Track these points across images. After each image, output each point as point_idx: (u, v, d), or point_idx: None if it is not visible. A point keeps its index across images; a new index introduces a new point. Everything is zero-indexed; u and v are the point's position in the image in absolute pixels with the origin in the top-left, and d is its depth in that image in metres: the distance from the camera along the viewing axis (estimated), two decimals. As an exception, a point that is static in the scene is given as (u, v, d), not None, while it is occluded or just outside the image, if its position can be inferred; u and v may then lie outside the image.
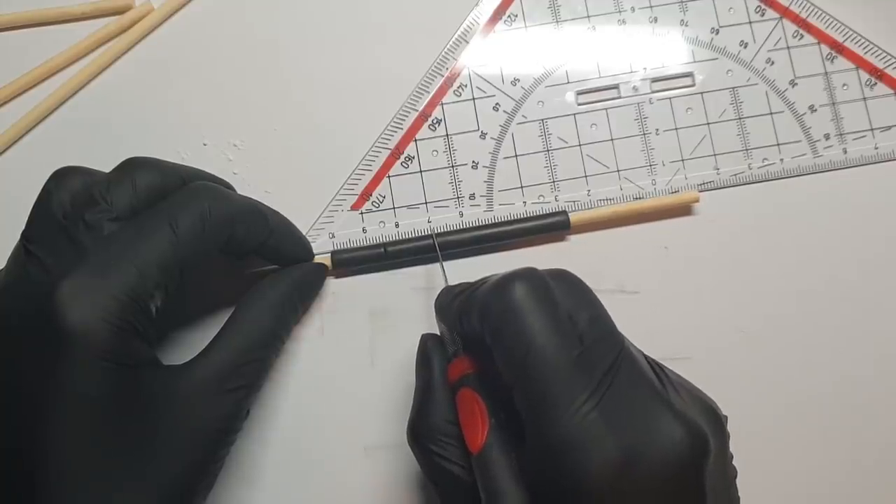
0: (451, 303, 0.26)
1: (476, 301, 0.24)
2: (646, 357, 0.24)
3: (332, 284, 0.33)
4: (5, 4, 0.35)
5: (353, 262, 0.33)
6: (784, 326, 0.33)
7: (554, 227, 0.33)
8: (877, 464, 0.32)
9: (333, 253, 0.33)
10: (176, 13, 0.35)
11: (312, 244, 0.33)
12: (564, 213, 0.33)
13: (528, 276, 0.23)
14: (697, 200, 0.34)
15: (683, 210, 0.34)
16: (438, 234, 0.33)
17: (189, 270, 0.26)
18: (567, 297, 0.24)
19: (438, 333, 0.29)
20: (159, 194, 0.26)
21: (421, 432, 0.26)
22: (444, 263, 0.32)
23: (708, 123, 0.35)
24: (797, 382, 0.33)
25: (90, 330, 0.23)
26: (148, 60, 0.35)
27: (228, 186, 0.31)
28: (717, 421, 0.23)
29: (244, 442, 0.32)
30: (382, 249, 0.32)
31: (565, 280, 0.24)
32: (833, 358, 0.33)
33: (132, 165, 0.26)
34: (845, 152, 0.35)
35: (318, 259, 0.32)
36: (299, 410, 0.32)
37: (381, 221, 0.34)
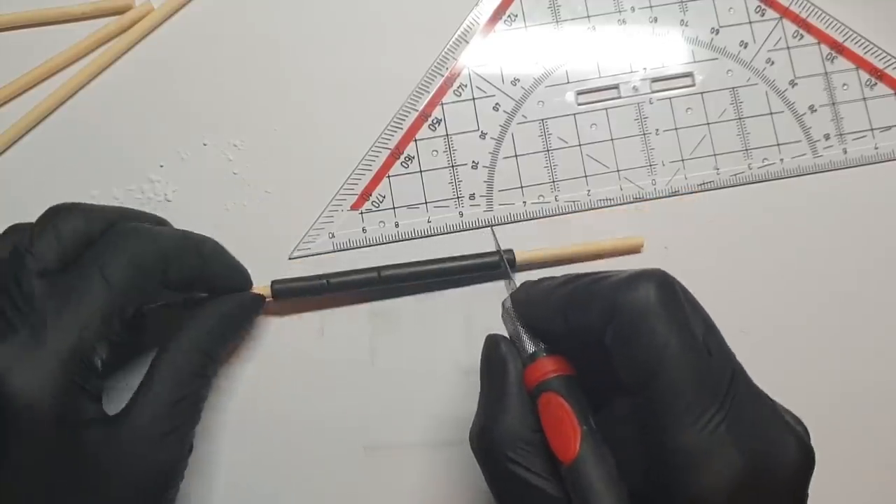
0: (550, 294, 0.24)
1: (602, 293, 0.23)
2: None
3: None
4: (5, 4, 0.35)
5: (293, 292, 0.32)
6: (784, 326, 0.33)
7: (495, 266, 0.32)
8: (878, 464, 0.32)
9: (274, 282, 0.32)
10: (176, 13, 0.35)
11: (312, 244, 0.33)
12: (510, 251, 0.32)
13: (664, 277, 0.22)
14: (642, 245, 0.33)
15: (632, 249, 0.34)
16: (385, 267, 0.32)
17: (128, 317, 0.25)
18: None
19: (509, 332, 0.27)
20: (85, 240, 0.25)
21: (495, 439, 0.24)
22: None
23: (708, 123, 0.35)
24: (798, 382, 0.33)
25: (33, 398, 0.22)
26: (148, 60, 0.35)
27: (161, 221, 0.30)
28: (808, 435, 0.23)
29: (243, 442, 0.32)
30: (325, 281, 0.32)
31: (682, 289, 0.24)
32: (833, 358, 0.33)
33: (54, 213, 0.26)
34: (845, 152, 0.35)
35: (257, 289, 0.32)
36: (299, 410, 0.32)
37: (380, 221, 0.34)
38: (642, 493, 0.22)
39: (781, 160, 0.34)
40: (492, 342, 0.26)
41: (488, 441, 0.24)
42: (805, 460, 0.21)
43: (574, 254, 0.33)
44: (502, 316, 0.27)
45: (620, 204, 0.34)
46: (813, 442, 0.32)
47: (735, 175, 0.34)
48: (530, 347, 0.25)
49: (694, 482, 0.20)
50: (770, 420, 0.21)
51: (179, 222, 0.32)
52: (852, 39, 0.35)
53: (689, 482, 0.20)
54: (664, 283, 0.22)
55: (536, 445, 0.23)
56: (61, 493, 0.23)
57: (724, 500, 0.20)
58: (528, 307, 0.26)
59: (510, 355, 0.25)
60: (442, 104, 0.35)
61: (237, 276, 0.31)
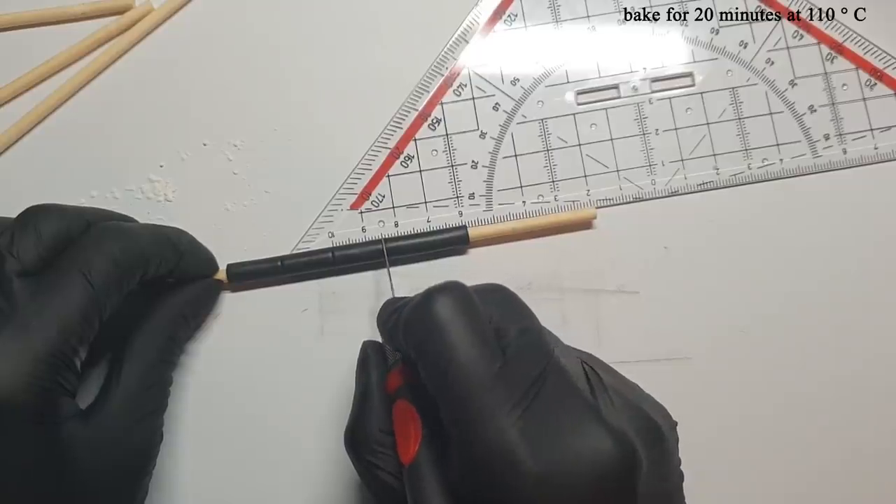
0: (389, 317, 0.26)
1: (403, 315, 0.23)
2: (585, 363, 0.23)
3: (333, 284, 0.33)
4: (5, 4, 0.35)
5: (248, 275, 0.32)
6: (784, 326, 0.33)
7: (452, 242, 0.33)
8: (878, 463, 0.32)
9: (229, 266, 0.32)
10: (176, 13, 0.35)
11: (311, 243, 0.33)
12: (464, 227, 0.33)
13: (450, 289, 0.23)
14: (594, 217, 0.33)
15: (583, 225, 0.34)
16: (338, 248, 0.33)
17: (108, 317, 0.25)
18: (495, 309, 0.23)
19: (381, 341, 0.28)
20: (65, 240, 0.26)
21: (358, 441, 0.25)
22: (349, 276, 0.33)
23: (707, 123, 0.35)
24: (797, 382, 0.33)
25: (14, 397, 0.22)
26: (148, 60, 0.35)
27: (129, 220, 0.30)
28: (651, 431, 0.22)
29: (244, 442, 0.32)
30: (279, 263, 0.32)
31: (495, 293, 0.24)
32: (833, 358, 0.33)
33: (33, 213, 0.26)
34: (845, 152, 0.35)
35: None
36: (299, 410, 0.32)
37: (380, 221, 0.34)
38: (463, 499, 0.22)
39: (781, 160, 0.34)
40: (362, 348, 0.28)
41: (351, 442, 0.25)
42: (617, 460, 0.20)
43: (527, 228, 0.33)
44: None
45: (620, 204, 0.34)
46: (813, 441, 0.32)
47: (735, 175, 0.34)
48: (391, 356, 0.27)
49: (490, 483, 0.20)
50: (580, 419, 0.21)
51: (179, 222, 0.32)
52: (852, 39, 0.35)
53: (487, 483, 0.20)
54: (451, 296, 0.23)
55: (391, 447, 0.25)
56: (40, 488, 0.23)
57: (522, 500, 0.20)
58: (380, 326, 0.27)
59: (374, 362, 0.27)
60: (441, 104, 0.35)
61: (206, 265, 0.32)
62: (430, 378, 0.22)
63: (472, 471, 0.20)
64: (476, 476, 0.20)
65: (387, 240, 0.33)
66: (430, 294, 0.23)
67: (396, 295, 0.31)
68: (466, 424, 0.21)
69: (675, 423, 0.24)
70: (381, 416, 0.25)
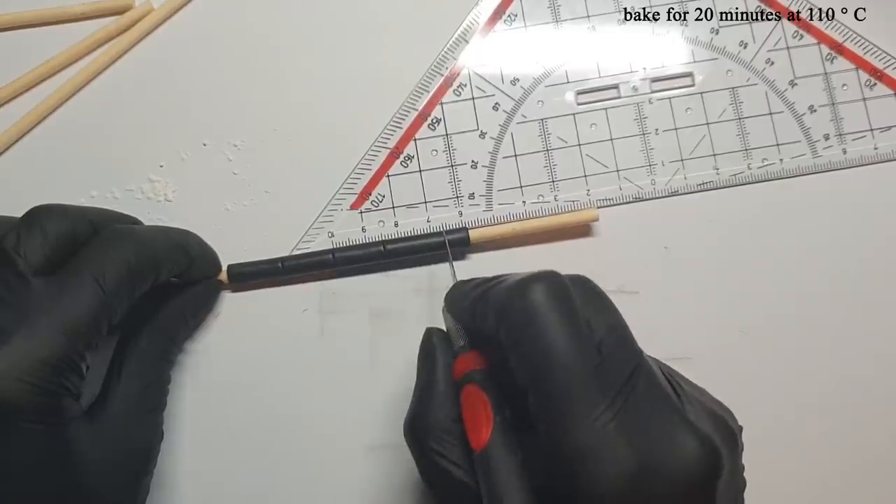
0: (465, 296, 0.25)
1: (494, 298, 0.23)
2: (660, 366, 0.23)
3: (333, 284, 0.33)
4: (5, 4, 0.35)
5: (248, 276, 0.32)
6: (784, 326, 0.33)
7: (452, 244, 0.33)
8: (878, 464, 0.32)
9: (230, 267, 0.32)
10: (176, 13, 0.35)
11: (311, 243, 0.33)
12: (465, 229, 0.33)
13: (549, 278, 0.23)
14: (596, 218, 0.33)
15: (585, 226, 0.34)
16: (339, 249, 0.33)
17: (116, 321, 0.25)
18: (586, 303, 0.23)
19: (444, 329, 0.28)
20: (70, 241, 0.26)
21: (421, 428, 0.25)
22: (351, 277, 0.33)
23: (707, 123, 0.35)
24: (797, 382, 0.33)
25: (19, 399, 0.22)
26: (148, 60, 0.35)
27: (136, 222, 0.30)
28: (731, 435, 0.23)
29: (245, 441, 0.32)
30: (279, 264, 0.32)
31: (584, 286, 0.24)
32: (833, 358, 0.33)
33: (38, 215, 0.26)
34: (845, 152, 0.35)
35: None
36: (299, 410, 0.32)
37: (380, 221, 0.34)
38: (546, 489, 0.22)
39: (781, 160, 0.34)
40: (426, 334, 0.27)
41: (414, 430, 0.25)
42: (705, 463, 0.20)
43: (528, 229, 0.33)
44: (442, 309, 0.27)
45: (620, 204, 0.34)
46: (813, 441, 0.32)
47: (735, 175, 0.34)
48: (459, 341, 0.26)
49: (581, 478, 0.20)
50: (670, 420, 0.21)
51: (179, 222, 0.32)
52: (852, 39, 0.35)
53: (577, 478, 0.20)
54: (552, 286, 0.22)
55: (457, 435, 0.24)
56: (43, 489, 0.23)
57: (613, 497, 0.20)
58: (452, 306, 0.27)
59: (440, 348, 0.26)
60: (441, 104, 0.35)
61: (212, 267, 0.32)
62: (523, 366, 0.22)
63: (563, 464, 0.20)
64: (566, 469, 0.20)
65: (385, 241, 0.33)
66: (530, 279, 0.22)
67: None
68: (561, 417, 0.20)
69: (741, 428, 0.24)
70: (448, 403, 0.25)
